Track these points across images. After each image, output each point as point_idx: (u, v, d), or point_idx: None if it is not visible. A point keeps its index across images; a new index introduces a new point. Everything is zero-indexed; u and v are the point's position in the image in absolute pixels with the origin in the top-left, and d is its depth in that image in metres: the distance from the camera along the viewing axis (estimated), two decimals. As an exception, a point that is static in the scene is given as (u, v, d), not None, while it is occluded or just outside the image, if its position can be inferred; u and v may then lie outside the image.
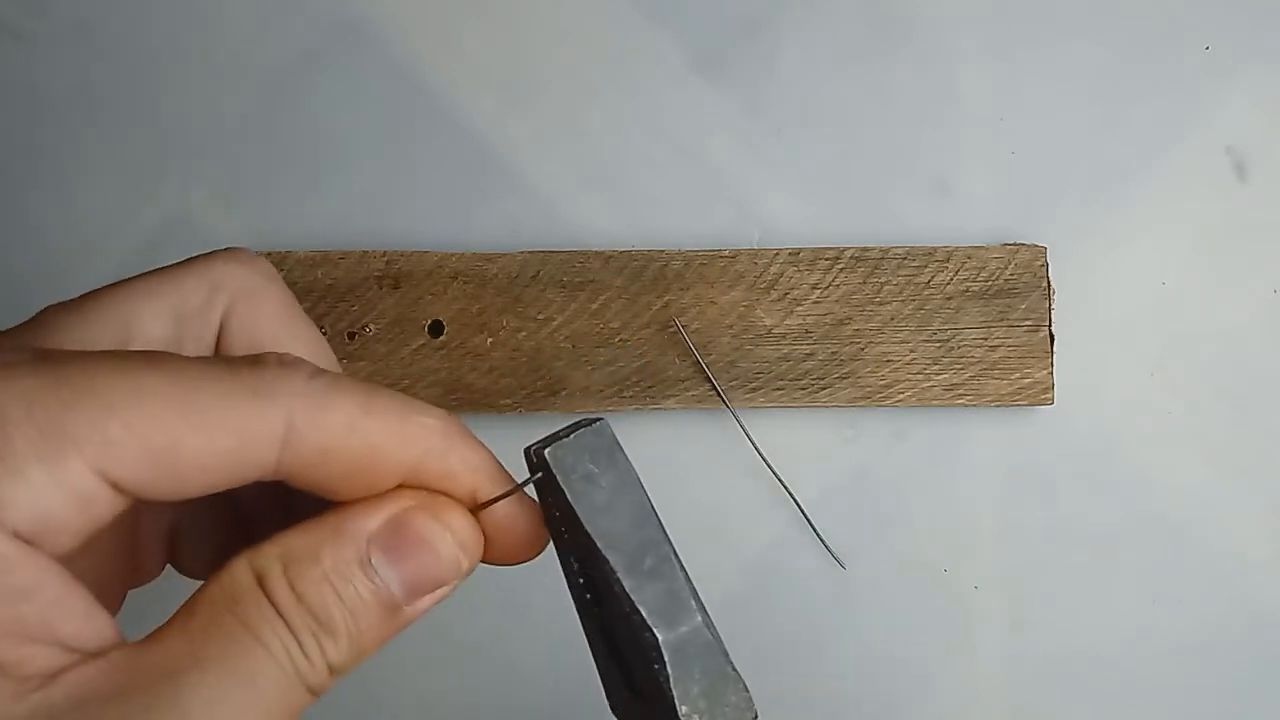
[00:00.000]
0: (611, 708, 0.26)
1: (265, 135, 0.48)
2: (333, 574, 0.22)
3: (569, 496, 0.24)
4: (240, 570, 0.22)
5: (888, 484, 0.46)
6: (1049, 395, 0.45)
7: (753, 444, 0.46)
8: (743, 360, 0.46)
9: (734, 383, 0.45)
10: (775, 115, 0.48)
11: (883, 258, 0.46)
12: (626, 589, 0.24)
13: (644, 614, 0.24)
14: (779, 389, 0.45)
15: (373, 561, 0.22)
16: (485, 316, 0.46)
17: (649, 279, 0.46)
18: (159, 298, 0.24)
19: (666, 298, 0.46)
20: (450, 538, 0.23)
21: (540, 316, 0.46)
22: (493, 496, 0.24)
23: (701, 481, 0.46)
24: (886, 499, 0.46)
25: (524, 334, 0.46)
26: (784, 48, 0.48)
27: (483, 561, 0.24)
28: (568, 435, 0.24)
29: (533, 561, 0.26)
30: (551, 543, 0.25)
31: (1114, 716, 0.46)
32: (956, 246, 0.46)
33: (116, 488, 0.20)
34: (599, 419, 0.25)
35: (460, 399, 0.45)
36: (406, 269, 0.46)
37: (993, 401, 0.45)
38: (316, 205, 0.48)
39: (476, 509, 0.24)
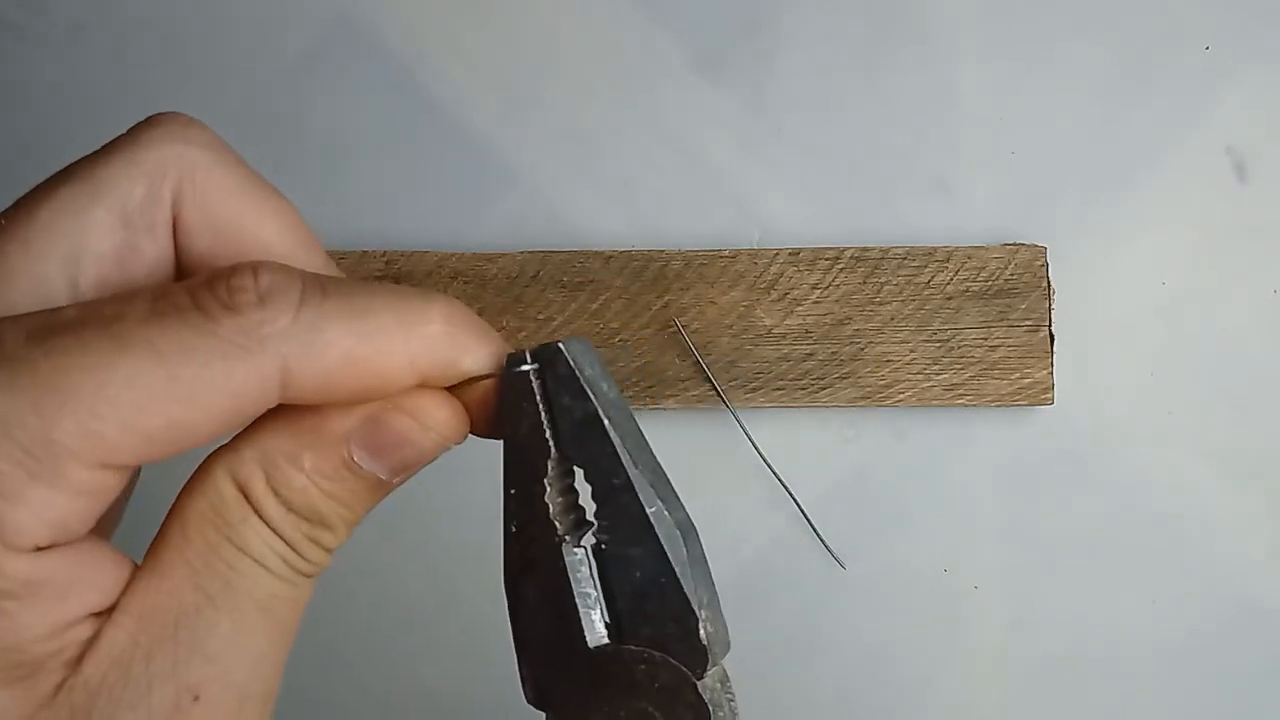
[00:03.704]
0: (535, 692, 0.24)
1: (265, 135, 0.48)
2: (317, 476, 0.22)
3: (589, 390, 0.23)
4: (223, 482, 0.21)
5: (888, 484, 0.46)
6: (1049, 395, 0.45)
7: (753, 444, 0.46)
8: (743, 360, 0.46)
9: (734, 383, 0.45)
10: (775, 115, 0.48)
11: (883, 258, 0.46)
12: (646, 485, 0.23)
13: (667, 510, 0.23)
14: (779, 389, 0.45)
15: (355, 459, 0.22)
16: (485, 316, 0.45)
17: (649, 279, 0.46)
18: (99, 201, 0.21)
19: (666, 298, 0.46)
20: (432, 433, 0.23)
21: (540, 316, 0.46)
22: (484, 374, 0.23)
23: (701, 481, 0.46)
24: (886, 499, 0.46)
25: (524, 334, 0.46)
26: (784, 48, 0.48)
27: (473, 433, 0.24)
28: (557, 344, 0.23)
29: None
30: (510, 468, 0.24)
31: (1113, 716, 0.46)
32: (956, 246, 0.46)
33: (122, 467, 0.20)
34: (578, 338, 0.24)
35: (460, 399, 0.45)
36: (406, 269, 0.46)
37: (993, 401, 0.45)
38: (317, 205, 0.48)
39: (466, 383, 0.23)
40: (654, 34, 0.48)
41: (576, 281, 0.46)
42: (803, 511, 0.46)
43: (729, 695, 0.23)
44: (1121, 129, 0.47)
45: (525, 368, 0.23)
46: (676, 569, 0.23)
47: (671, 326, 0.46)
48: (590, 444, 0.23)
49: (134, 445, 0.19)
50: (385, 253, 0.46)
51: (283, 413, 0.21)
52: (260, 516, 0.21)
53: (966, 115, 0.48)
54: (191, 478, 0.22)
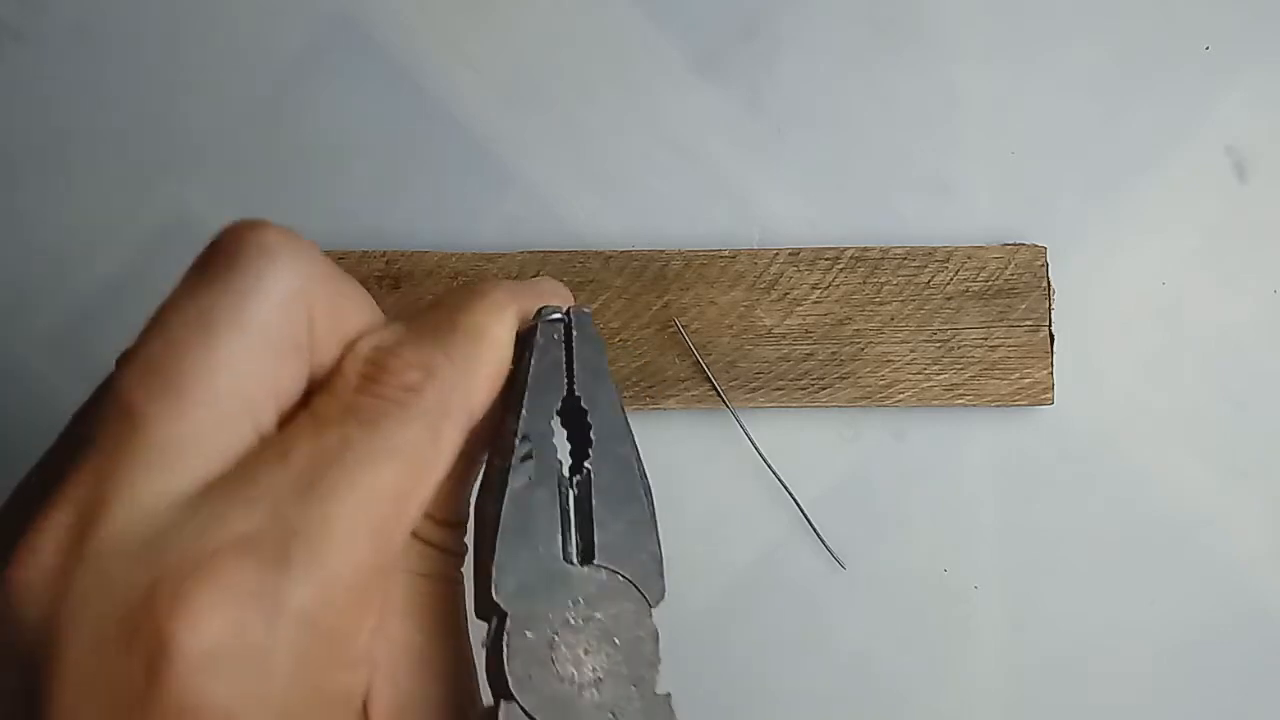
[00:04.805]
0: (493, 592, 0.25)
1: (265, 135, 0.48)
2: (451, 492, 0.26)
3: (604, 351, 0.27)
4: None
5: (888, 484, 0.46)
6: (1049, 395, 0.45)
7: (753, 444, 0.46)
8: (743, 360, 0.46)
9: (734, 383, 0.45)
10: (775, 115, 0.48)
11: (883, 258, 0.46)
12: (635, 439, 0.27)
13: (641, 458, 0.27)
14: (779, 389, 0.45)
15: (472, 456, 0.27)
16: (485, 316, 0.46)
17: (649, 279, 0.46)
18: (265, 348, 0.22)
19: (666, 298, 0.46)
20: None
21: (540, 316, 0.46)
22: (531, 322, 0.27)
23: (701, 481, 0.46)
24: (886, 499, 0.46)
25: (524, 334, 0.46)
26: (784, 48, 0.48)
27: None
28: (585, 308, 0.28)
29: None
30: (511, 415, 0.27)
31: (1113, 716, 0.46)
32: (956, 246, 0.46)
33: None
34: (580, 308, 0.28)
35: (460, 399, 0.45)
36: (406, 269, 0.46)
37: (993, 401, 0.45)
38: (316, 205, 0.48)
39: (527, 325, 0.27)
40: (654, 34, 0.48)
41: (576, 281, 0.46)
42: (803, 511, 0.46)
43: None
44: (1121, 129, 0.47)
45: (558, 317, 0.27)
46: (651, 512, 0.26)
47: (671, 326, 0.46)
48: (599, 392, 0.27)
49: (410, 527, 0.23)
50: (385, 253, 0.46)
51: None
52: (434, 546, 0.25)
53: (966, 115, 0.48)
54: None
